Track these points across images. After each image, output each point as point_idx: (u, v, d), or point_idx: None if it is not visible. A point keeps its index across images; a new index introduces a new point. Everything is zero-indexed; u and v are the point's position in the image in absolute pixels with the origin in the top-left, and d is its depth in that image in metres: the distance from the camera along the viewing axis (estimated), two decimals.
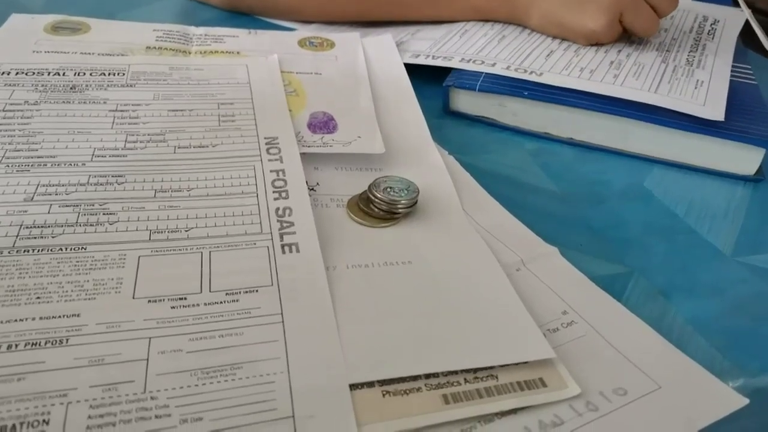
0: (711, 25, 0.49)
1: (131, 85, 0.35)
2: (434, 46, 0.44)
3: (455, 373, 0.21)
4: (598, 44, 0.43)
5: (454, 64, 0.41)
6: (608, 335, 0.23)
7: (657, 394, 0.21)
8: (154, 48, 0.39)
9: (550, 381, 0.21)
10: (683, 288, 0.27)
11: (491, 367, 0.21)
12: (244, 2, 0.50)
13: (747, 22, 0.44)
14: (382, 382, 0.21)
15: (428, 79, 0.40)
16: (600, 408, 0.20)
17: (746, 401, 0.21)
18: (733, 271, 0.29)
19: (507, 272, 0.26)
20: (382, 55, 0.42)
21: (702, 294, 0.27)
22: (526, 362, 0.22)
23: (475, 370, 0.21)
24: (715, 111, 0.35)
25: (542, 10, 0.43)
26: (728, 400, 0.21)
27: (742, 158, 0.35)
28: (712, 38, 0.47)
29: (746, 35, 0.47)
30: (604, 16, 0.41)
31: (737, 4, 0.50)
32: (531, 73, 0.39)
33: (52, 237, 0.24)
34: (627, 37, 0.44)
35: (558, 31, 0.43)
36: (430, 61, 0.41)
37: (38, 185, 0.26)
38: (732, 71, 0.41)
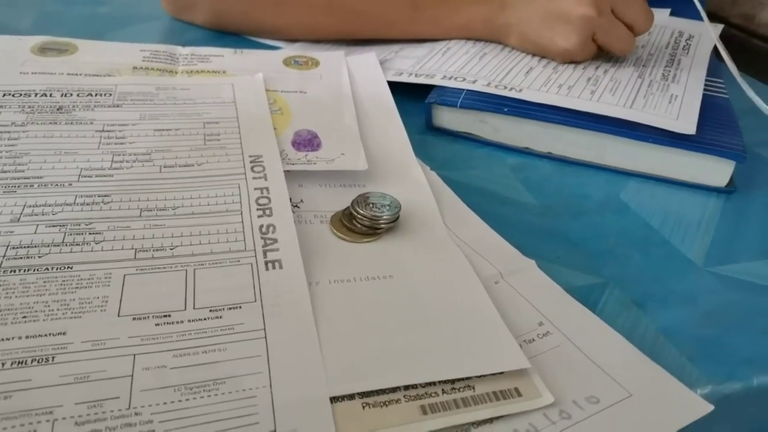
0: (686, 40, 0.51)
1: (118, 106, 0.35)
2: (417, 64, 0.45)
3: (433, 384, 0.22)
4: (574, 62, 0.44)
5: (436, 81, 0.42)
6: (582, 345, 0.24)
7: (628, 402, 0.22)
8: (141, 68, 0.40)
9: (525, 390, 0.22)
10: (656, 298, 0.28)
11: (468, 378, 0.22)
12: (230, 22, 0.51)
13: (723, 35, 0.46)
14: (362, 395, 0.21)
15: (411, 96, 0.41)
16: (573, 416, 0.21)
17: (711, 408, 0.21)
18: (704, 281, 0.29)
19: (486, 285, 0.26)
20: (366, 74, 0.43)
21: (674, 304, 0.28)
22: (502, 372, 0.22)
23: (453, 381, 0.22)
24: (688, 125, 0.36)
25: (520, 30, 0.44)
26: (695, 407, 0.22)
27: (714, 170, 0.36)
28: (687, 53, 0.48)
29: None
30: (576, 35, 0.42)
31: (713, 19, 0.51)
32: (511, 89, 0.40)
33: (39, 257, 0.25)
34: (605, 53, 0.45)
35: (535, 49, 0.44)
36: (413, 79, 0.42)
37: (24, 206, 0.27)
38: (705, 85, 0.42)
